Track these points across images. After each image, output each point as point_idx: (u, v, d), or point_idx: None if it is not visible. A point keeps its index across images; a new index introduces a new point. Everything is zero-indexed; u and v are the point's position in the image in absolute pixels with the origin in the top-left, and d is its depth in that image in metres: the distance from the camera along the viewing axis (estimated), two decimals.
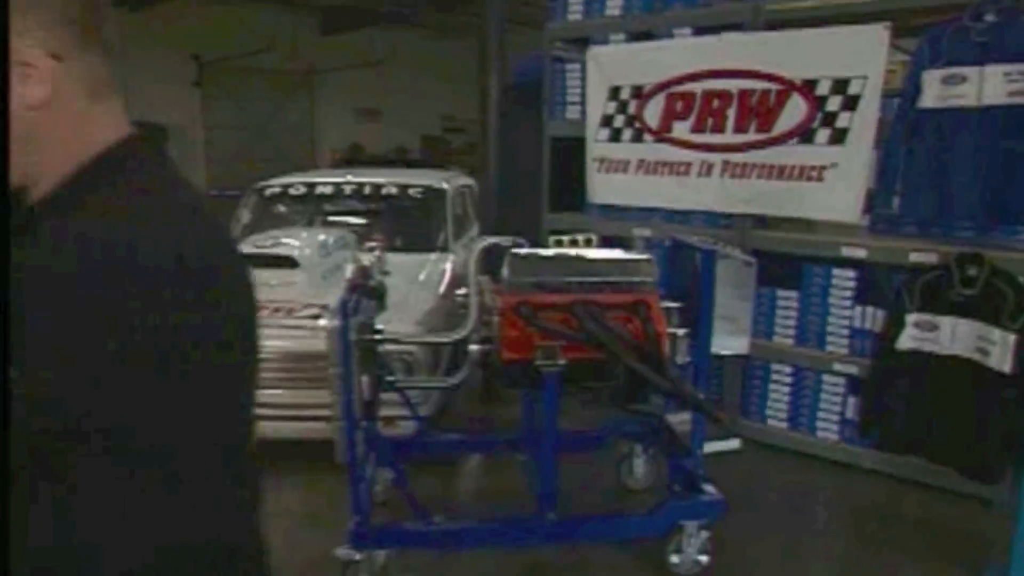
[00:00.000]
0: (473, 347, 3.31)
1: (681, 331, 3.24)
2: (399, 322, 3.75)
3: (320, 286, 4.29)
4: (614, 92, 4.92)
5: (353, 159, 17.87)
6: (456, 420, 4.71)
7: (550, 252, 3.27)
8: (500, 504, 3.86)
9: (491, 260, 3.48)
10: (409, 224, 5.66)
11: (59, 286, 0.90)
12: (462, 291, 3.37)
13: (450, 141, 19.36)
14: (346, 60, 18.49)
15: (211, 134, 18.49)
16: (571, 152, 5.19)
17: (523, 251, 3.20)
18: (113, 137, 1.04)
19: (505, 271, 3.12)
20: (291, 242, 4.67)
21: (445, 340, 3.37)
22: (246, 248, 4.45)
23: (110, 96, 1.05)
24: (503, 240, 3.35)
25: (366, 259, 3.24)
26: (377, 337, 3.17)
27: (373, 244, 3.41)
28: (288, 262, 4.41)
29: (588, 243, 3.31)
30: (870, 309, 4.21)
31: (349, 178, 5.99)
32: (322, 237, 4.82)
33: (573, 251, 3.27)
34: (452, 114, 18.44)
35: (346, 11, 18.07)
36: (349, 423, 2.96)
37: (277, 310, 4.06)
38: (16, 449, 0.89)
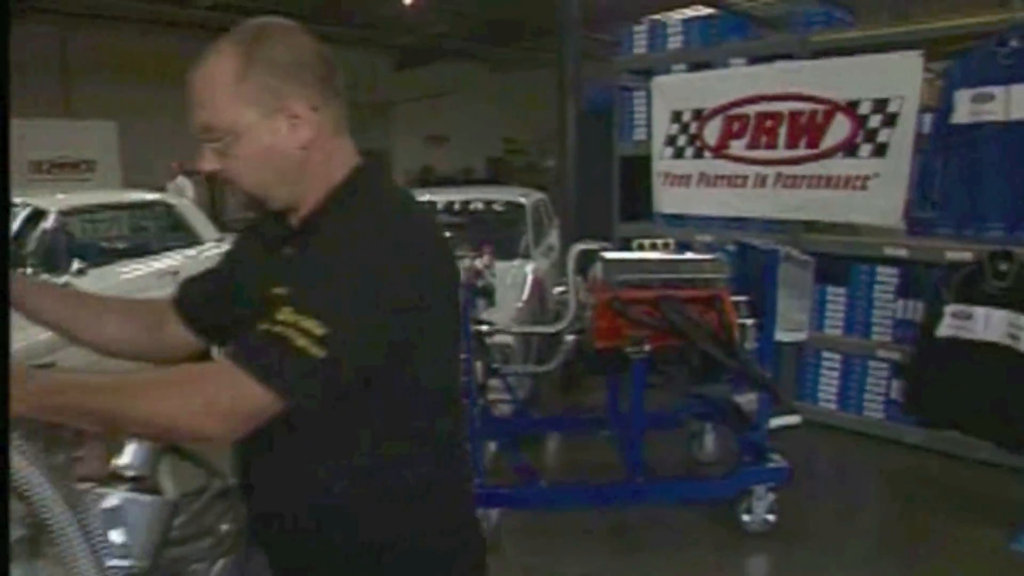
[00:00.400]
0: (569, 337, 3.56)
1: (749, 321, 3.43)
2: (496, 318, 4.00)
3: None
4: (676, 116, 5.14)
5: (425, 180, 18.28)
6: (542, 406, 4.94)
7: (635, 255, 3.50)
8: (588, 473, 4.08)
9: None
10: (495, 234, 5.92)
11: (353, 264, 1.12)
12: (559, 289, 3.60)
13: (511, 162, 19.67)
14: (417, 92, 18.97)
15: None
16: (637, 169, 5.41)
17: (613, 254, 3.44)
18: (351, 164, 1.26)
19: (598, 271, 3.36)
20: None
21: (550, 330, 3.60)
22: None
23: (345, 132, 1.26)
24: (595, 245, 3.58)
25: (478, 263, 3.50)
26: (490, 328, 3.43)
27: (484, 250, 3.67)
28: None
29: (666, 247, 3.53)
30: (911, 302, 4.34)
31: (446, 196, 6.28)
32: None
33: (654, 254, 3.49)
34: (513, 137, 18.83)
35: (417, 49, 18.49)
36: (470, 401, 3.22)
37: None
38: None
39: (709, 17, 5.74)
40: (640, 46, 5.38)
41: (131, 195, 6.54)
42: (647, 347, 3.25)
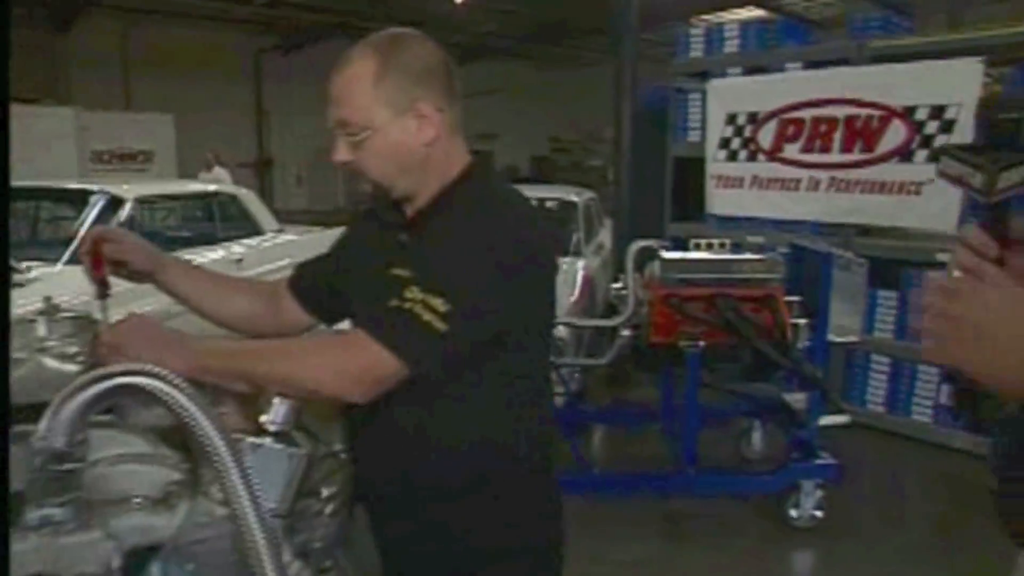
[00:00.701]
0: (625, 332, 3.67)
1: (802, 321, 3.51)
2: None
3: None
4: (731, 118, 5.20)
5: None
6: (590, 400, 5.05)
7: (692, 254, 3.59)
8: (637, 464, 4.19)
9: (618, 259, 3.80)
10: None
11: (471, 250, 1.26)
12: (616, 285, 3.70)
13: (556, 161, 19.74)
14: (464, 90, 19.14)
15: None
16: (689, 170, 5.49)
17: (671, 253, 3.54)
18: (464, 161, 1.40)
19: (656, 269, 3.46)
20: None
21: (609, 324, 3.70)
22: None
23: (460, 132, 1.40)
24: (653, 243, 3.68)
25: None
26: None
27: None
28: None
29: (722, 247, 3.62)
30: None
31: None
32: None
33: (710, 253, 3.59)
34: (558, 136, 18.89)
35: (464, 47, 18.66)
36: None
37: None
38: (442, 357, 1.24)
39: (766, 21, 5.80)
40: (696, 49, 5.46)
41: (199, 185, 6.79)
42: (701, 343, 3.36)
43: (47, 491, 1.04)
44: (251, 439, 1.17)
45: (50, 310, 1.25)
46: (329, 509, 1.38)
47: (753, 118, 5.09)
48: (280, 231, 6.42)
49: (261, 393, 1.23)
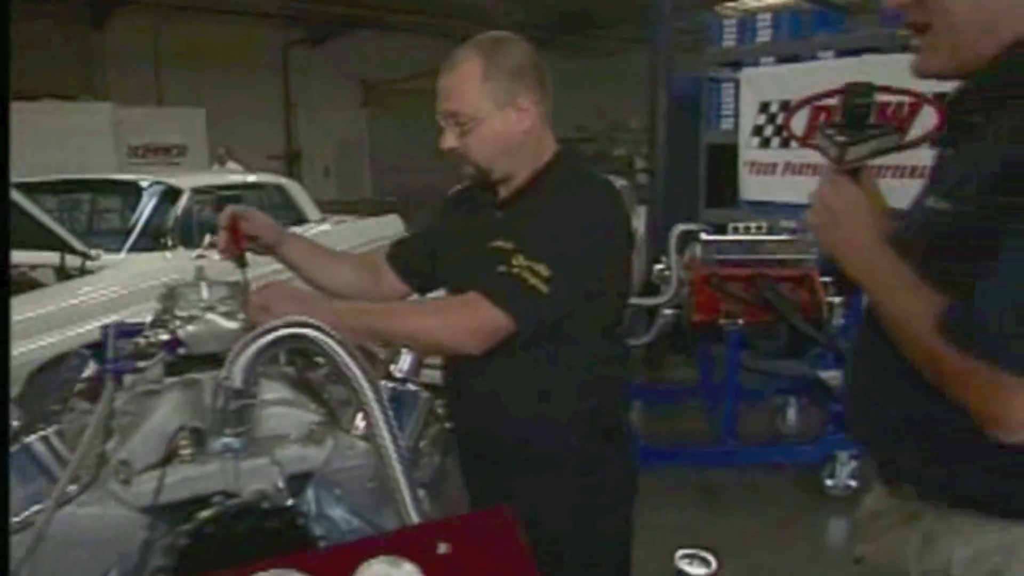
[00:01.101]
0: (667, 311, 3.86)
1: (836, 299, 3.68)
2: None
3: None
4: (764, 106, 5.36)
5: None
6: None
7: (732, 236, 3.78)
8: (676, 438, 4.38)
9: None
10: None
11: (567, 224, 1.47)
12: (659, 266, 3.89)
13: (582, 150, 19.83)
14: None
15: (375, 149, 19.65)
16: (722, 157, 5.66)
17: (711, 235, 3.73)
18: (553, 148, 1.62)
19: (697, 250, 3.65)
20: None
21: (654, 303, 3.88)
22: None
23: (548, 123, 1.63)
24: (694, 226, 3.87)
25: None
26: None
27: None
28: None
29: (759, 230, 3.80)
30: None
31: None
32: None
33: (749, 236, 3.77)
34: (583, 125, 18.94)
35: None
36: None
37: None
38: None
39: (799, 11, 5.93)
40: (729, 39, 5.62)
41: (249, 176, 7.04)
42: (741, 321, 3.54)
43: (227, 424, 1.26)
44: (386, 383, 1.39)
45: (203, 277, 1.46)
46: (431, 451, 1.60)
47: (786, 106, 5.24)
48: (323, 220, 6.65)
49: (387, 346, 1.45)
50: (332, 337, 1.26)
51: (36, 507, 1.15)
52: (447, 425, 1.56)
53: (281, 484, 1.29)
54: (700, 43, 7.12)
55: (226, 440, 1.27)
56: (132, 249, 4.97)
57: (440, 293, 1.71)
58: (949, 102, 1.27)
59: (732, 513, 3.68)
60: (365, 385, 1.27)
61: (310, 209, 6.58)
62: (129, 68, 16.27)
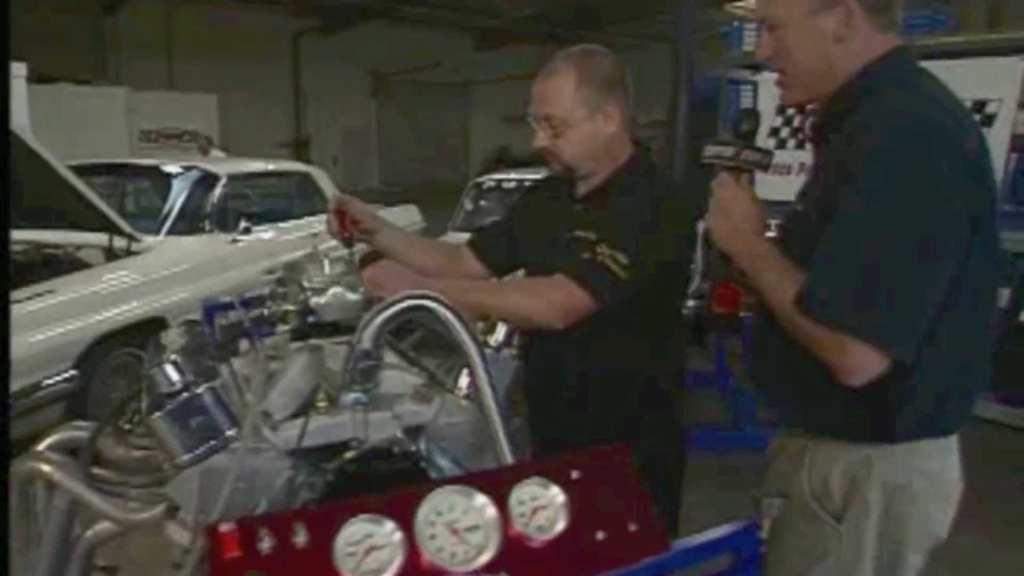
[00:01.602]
0: (690, 303, 4.07)
1: None
2: None
3: None
4: (781, 109, 5.57)
5: (501, 159, 18.83)
6: None
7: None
8: (696, 423, 4.59)
9: None
10: None
11: (643, 218, 1.71)
12: None
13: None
14: (496, 73, 19.54)
15: (383, 138, 19.85)
16: None
17: None
18: (629, 150, 1.84)
19: None
20: None
21: None
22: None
23: (628, 126, 1.84)
24: None
25: None
26: None
27: None
28: None
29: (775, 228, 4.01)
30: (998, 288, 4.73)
31: None
32: None
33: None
34: None
35: (494, 30, 18.98)
36: None
37: None
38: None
39: None
40: (749, 43, 5.82)
41: (280, 164, 7.24)
42: None
43: (357, 380, 1.47)
44: (487, 350, 1.60)
45: (319, 255, 1.67)
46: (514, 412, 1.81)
47: (802, 108, 5.44)
48: None
49: (483, 319, 1.66)
50: (449, 309, 1.48)
51: (208, 444, 1.37)
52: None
53: (400, 434, 1.51)
54: (706, 41, 7.32)
55: (355, 395, 1.48)
56: (171, 232, 5.17)
57: (519, 275, 1.93)
58: (812, 124, 1.65)
59: (748, 494, 3.89)
60: (473, 351, 1.49)
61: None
62: (140, 54, 16.43)
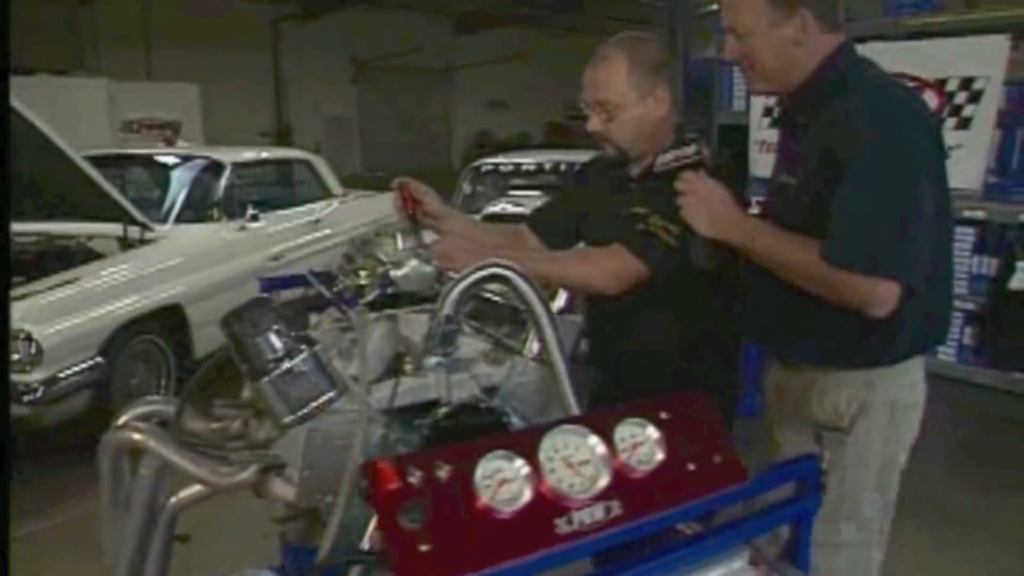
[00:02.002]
0: None
1: None
2: None
3: None
4: None
5: (483, 144, 18.92)
6: None
7: (754, 211, 4.16)
8: None
9: None
10: None
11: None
12: None
13: (571, 128, 20.18)
14: (478, 57, 19.55)
15: (365, 124, 19.82)
16: (734, 137, 6.03)
17: None
18: (672, 132, 1.99)
19: None
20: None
21: None
22: (490, 209, 5.52)
23: (675, 112, 2.00)
24: None
25: None
26: None
27: None
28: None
29: None
30: (986, 258, 4.94)
31: (548, 157, 6.99)
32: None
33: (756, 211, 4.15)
34: (575, 103, 19.34)
35: (475, 14, 18.96)
36: None
37: None
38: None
39: None
40: None
41: (285, 152, 7.32)
42: None
43: (440, 343, 1.61)
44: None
45: (391, 231, 1.81)
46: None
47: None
48: (345, 195, 6.96)
49: (546, 286, 1.81)
50: (523, 277, 1.62)
51: (311, 405, 1.50)
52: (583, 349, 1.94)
53: (477, 392, 1.65)
54: (693, 22, 7.46)
55: (438, 359, 1.62)
56: (178, 220, 5.26)
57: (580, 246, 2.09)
58: (783, 109, 1.94)
59: (755, 464, 4.08)
60: (543, 314, 1.63)
61: (333, 183, 6.89)
62: (117, 44, 16.28)
